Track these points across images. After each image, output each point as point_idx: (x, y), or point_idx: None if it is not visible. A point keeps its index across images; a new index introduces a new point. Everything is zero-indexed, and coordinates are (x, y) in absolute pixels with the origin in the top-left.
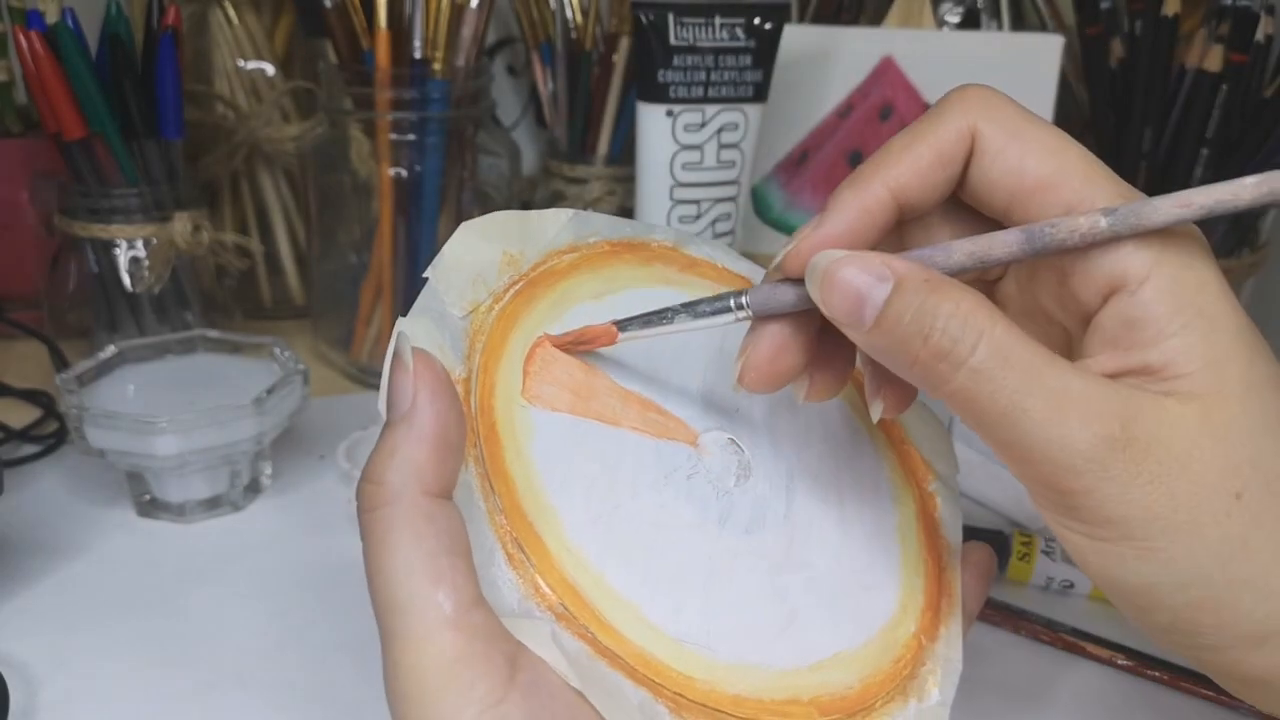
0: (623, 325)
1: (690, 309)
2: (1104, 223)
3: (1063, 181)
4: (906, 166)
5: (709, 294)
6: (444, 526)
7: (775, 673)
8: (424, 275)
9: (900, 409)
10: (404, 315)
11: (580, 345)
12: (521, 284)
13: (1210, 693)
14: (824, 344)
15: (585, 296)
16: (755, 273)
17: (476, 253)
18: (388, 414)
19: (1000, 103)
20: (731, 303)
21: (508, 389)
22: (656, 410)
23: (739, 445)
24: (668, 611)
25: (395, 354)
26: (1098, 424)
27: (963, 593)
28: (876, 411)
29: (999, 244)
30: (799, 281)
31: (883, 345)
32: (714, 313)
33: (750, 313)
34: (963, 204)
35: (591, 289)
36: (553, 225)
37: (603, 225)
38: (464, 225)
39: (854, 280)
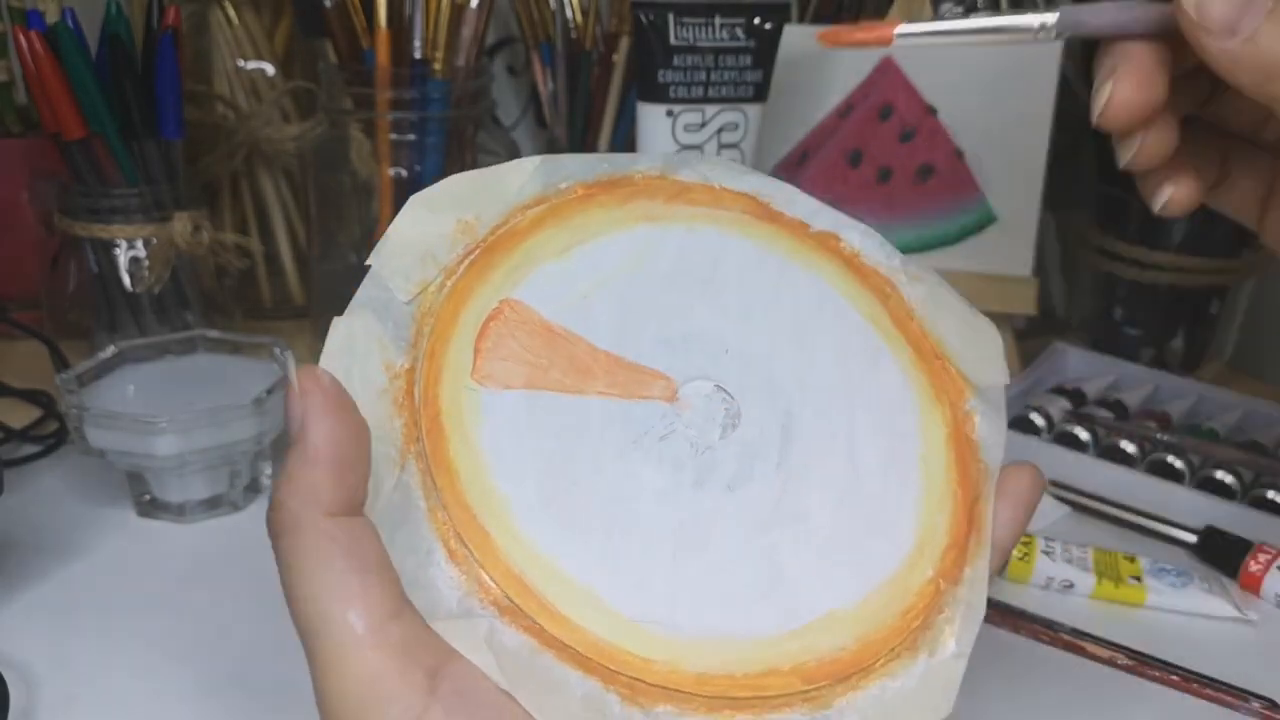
0: (903, 33)
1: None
2: None
3: None
4: None
5: (700, 224)
6: (350, 545)
7: (751, 643)
8: (365, 263)
9: (1191, 202)
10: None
11: (853, 40)
12: (477, 252)
13: (1211, 693)
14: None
15: (549, 255)
16: (764, 185)
17: (425, 226)
18: (289, 433)
19: None
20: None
21: (456, 373)
22: (629, 368)
23: (726, 392)
24: (628, 590)
25: (285, 376)
26: None
27: (994, 523)
28: (1161, 200)
29: None
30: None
31: (1246, 54)
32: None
33: (1057, 27)
34: None
35: (557, 245)
36: (516, 179)
37: (576, 167)
38: (412, 199)
39: None
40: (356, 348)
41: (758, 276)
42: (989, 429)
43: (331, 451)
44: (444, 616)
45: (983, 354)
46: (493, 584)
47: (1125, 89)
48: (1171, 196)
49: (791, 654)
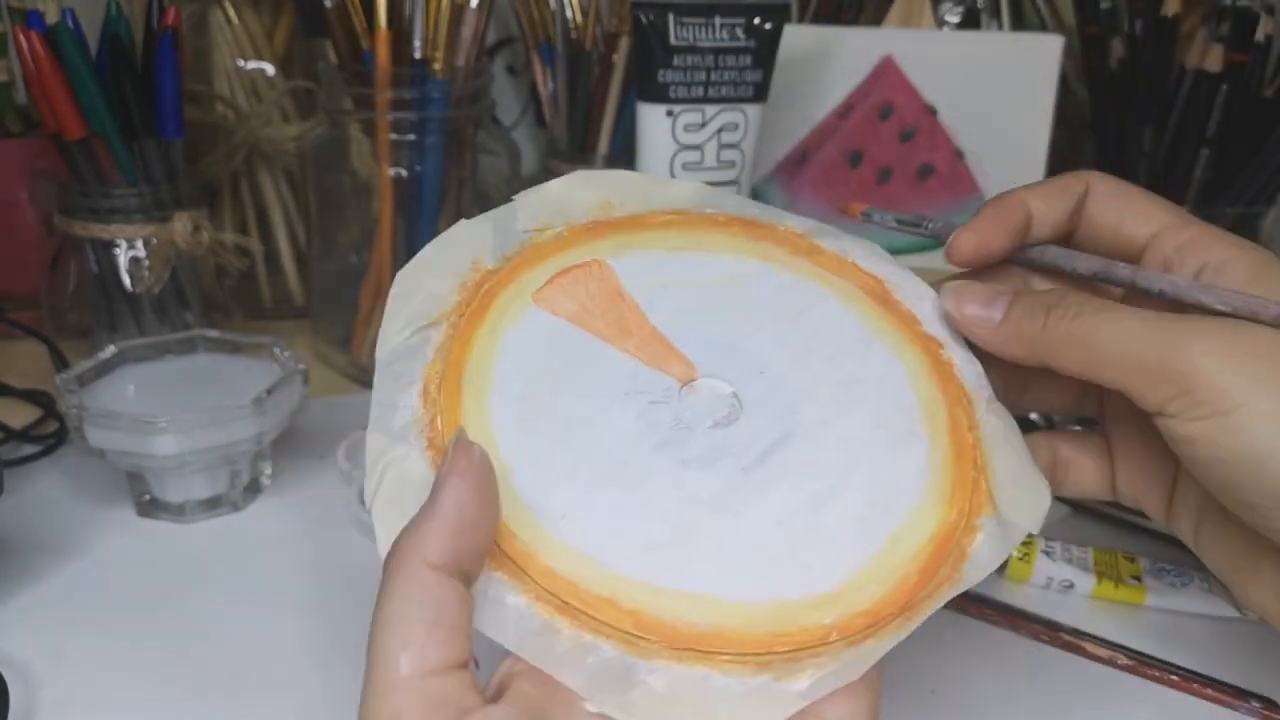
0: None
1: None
2: (1192, 290)
3: (1157, 208)
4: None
5: (810, 280)
6: (435, 596)
7: (611, 574)
8: (511, 196)
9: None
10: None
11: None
12: (602, 224)
13: (1210, 693)
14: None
15: (659, 247)
16: (896, 275)
17: (574, 192)
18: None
19: (1107, 177)
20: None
21: (523, 286)
22: (663, 342)
23: (738, 400)
24: (540, 482)
25: (451, 441)
26: None
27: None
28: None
29: (1118, 270)
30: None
31: (1010, 331)
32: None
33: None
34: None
35: (671, 244)
36: (674, 191)
37: (728, 201)
38: (577, 171)
39: (984, 290)
40: (462, 239)
41: (835, 335)
42: (987, 552)
43: (453, 513)
44: (382, 431)
45: (1023, 498)
46: (440, 427)
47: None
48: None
49: (640, 602)
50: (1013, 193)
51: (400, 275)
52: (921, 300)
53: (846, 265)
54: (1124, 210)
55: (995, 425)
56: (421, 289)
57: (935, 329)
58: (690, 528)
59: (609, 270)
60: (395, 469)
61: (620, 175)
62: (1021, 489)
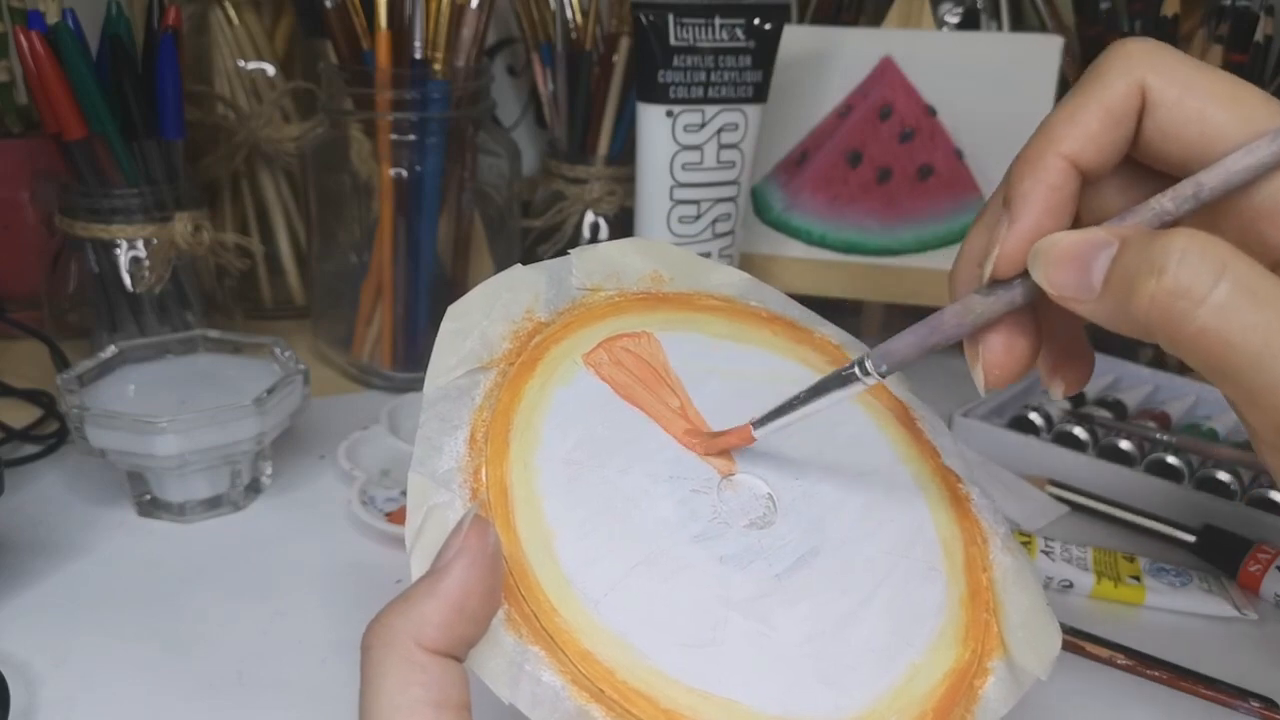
0: (757, 423)
1: (819, 390)
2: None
3: (1245, 125)
4: (1078, 133)
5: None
6: (436, 677)
7: (648, 667)
8: (567, 250)
9: (1078, 386)
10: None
11: (719, 446)
12: (654, 298)
13: (1210, 692)
14: (1056, 340)
15: (706, 332)
16: (919, 406)
17: (628, 259)
18: (432, 563)
19: (1165, 54)
20: (857, 370)
21: (575, 345)
22: (709, 435)
23: (773, 504)
24: (578, 557)
25: (464, 516)
26: None
27: None
28: (1058, 390)
29: (1183, 193)
30: (998, 284)
31: (1113, 304)
32: (843, 384)
33: (879, 375)
34: (1134, 165)
35: (718, 330)
36: (721, 276)
37: (772, 298)
38: (632, 238)
39: (1075, 248)
40: (518, 285)
41: (866, 454)
42: (998, 695)
43: (458, 597)
44: (426, 473)
45: (1034, 641)
46: (485, 479)
47: (993, 356)
48: (1063, 388)
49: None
50: (1043, 154)
51: (453, 309)
52: (938, 432)
53: (878, 385)
54: (1204, 116)
55: (1008, 565)
56: (476, 329)
57: (954, 463)
58: (723, 629)
59: (657, 345)
60: (437, 518)
61: (671, 250)
62: (1032, 632)
